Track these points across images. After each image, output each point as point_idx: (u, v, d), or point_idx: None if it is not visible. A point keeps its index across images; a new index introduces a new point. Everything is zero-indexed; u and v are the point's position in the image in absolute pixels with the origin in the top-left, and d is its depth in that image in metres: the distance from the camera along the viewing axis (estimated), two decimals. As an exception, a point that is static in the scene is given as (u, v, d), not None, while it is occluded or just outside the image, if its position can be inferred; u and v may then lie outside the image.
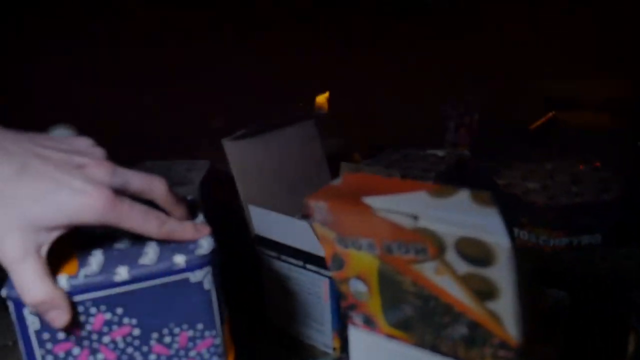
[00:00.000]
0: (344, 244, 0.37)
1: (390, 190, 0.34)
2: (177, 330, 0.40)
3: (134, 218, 0.38)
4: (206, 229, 0.43)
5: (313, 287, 0.65)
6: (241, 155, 0.70)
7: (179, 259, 0.39)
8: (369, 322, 0.42)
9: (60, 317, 0.36)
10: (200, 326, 0.41)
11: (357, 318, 0.43)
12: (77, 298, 0.37)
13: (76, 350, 0.38)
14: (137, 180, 0.40)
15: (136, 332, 0.39)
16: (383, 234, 0.34)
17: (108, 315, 0.38)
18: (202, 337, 0.41)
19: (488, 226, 0.30)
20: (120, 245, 0.42)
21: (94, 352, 0.39)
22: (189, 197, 0.48)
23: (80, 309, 0.37)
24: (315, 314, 0.66)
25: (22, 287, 0.36)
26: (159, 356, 0.41)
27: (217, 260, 0.41)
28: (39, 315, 0.37)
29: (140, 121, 2.06)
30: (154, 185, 0.41)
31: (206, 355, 0.42)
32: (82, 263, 0.39)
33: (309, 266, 0.64)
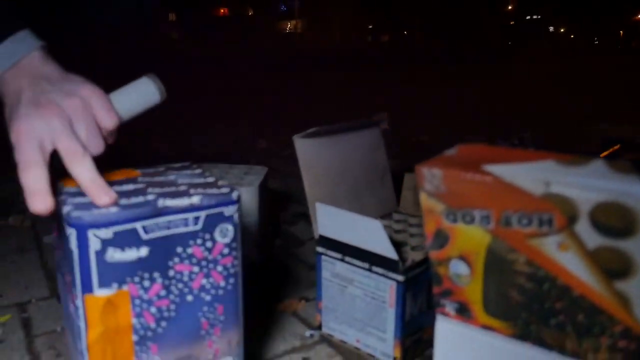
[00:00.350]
0: (453, 217, 0.36)
1: (514, 159, 0.32)
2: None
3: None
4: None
5: (378, 292, 0.62)
6: (310, 153, 0.69)
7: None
8: (463, 311, 0.40)
9: (39, 204, 0.44)
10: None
11: (449, 306, 0.41)
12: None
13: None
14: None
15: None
16: (503, 204, 0.33)
17: None
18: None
19: (633, 191, 0.28)
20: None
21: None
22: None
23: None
24: (378, 320, 0.63)
25: (26, 186, 0.45)
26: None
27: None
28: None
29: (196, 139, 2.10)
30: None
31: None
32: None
33: (375, 269, 0.62)
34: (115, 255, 0.44)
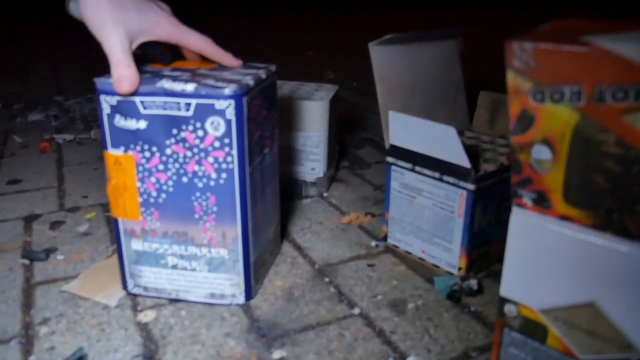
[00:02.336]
0: (541, 96, 0.34)
1: (613, 30, 0.31)
2: (273, 113, 0.62)
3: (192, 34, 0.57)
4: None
5: (447, 201, 0.62)
6: (385, 62, 0.68)
7: (273, 68, 0.60)
8: (541, 201, 0.39)
9: (126, 86, 0.51)
10: (276, 112, 0.63)
11: (527, 196, 0.40)
12: (255, 90, 0.55)
13: (253, 128, 0.55)
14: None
15: (264, 113, 0.58)
16: (598, 76, 0.31)
17: (260, 100, 0.57)
18: (276, 120, 0.63)
19: None
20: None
21: (257, 129, 0.56)
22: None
23: (255, 100, 0.55)
24: (445, 230, 0.63)
25: (113, 55, 0.51)
26: (269, 133, 0.61)
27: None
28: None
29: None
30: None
31: (277, 134, 0.63)
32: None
33: (446, 178, 0.62)
34: (120, 121, 0.53)
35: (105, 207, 0.84)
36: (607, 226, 0.37)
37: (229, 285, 0.58)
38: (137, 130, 0.53)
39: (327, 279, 0.64)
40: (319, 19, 4.11)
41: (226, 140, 0.52)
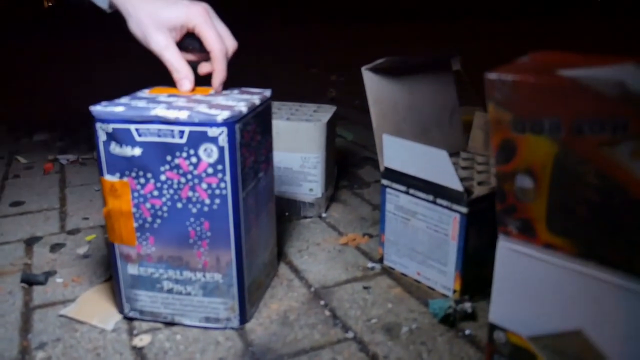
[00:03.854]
0: (521, 127, 0.35)
1: (590, 63, 0.31)
2: (268, 137, 0.64)
3: (215, 31, 0.61)
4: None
5: (441, 224, 0.62)
6: (378, 86, 0.69)
7: (268, 94, 0.63)
8: (526, 230, 0.40)
9: (187, 84, 0.61)
10: (271, 136, 0.65)
11: (512, 225, 0.40)
12: (249, 116, 0.56)
13: (246, 153, 0.56)
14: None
15: (259, 138, 0.60)
16: (576, 110, 0.32)
17: (254, 126, 0.59)
18: (271, 143, 0.65)
19: None
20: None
21: (250, 154, 0.58)
22: None
23: (249, 125, 0.57)
24: (439, 253, 0.63)
25: (171, 64, 0.61)
26: (264, 157, 0.62)
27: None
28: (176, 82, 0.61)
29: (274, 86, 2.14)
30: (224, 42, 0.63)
31: (272, 157, 0.66)
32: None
33: (439, 201, 0.62)
34: (116, 148, 0.54)
35: (105, 229, 0.84)
36: (591, 255, 0.37)
37: (223, 309, 0.58)
38: (132, 157, 0.54)
39: (322, 302, 0.64)
40: (320, 33, 4.14)
41: (219, 167, 0.53)
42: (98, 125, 0.53)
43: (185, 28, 0.61)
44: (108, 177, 0.55)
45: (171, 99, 0.58)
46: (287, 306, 0.63)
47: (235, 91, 0.63)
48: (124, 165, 0.54)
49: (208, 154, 0.52)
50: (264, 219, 0.64)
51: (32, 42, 3.52)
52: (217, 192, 0.54)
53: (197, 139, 0.52)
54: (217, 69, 0.61)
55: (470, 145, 0.80)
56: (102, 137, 0.54)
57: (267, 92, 0.63)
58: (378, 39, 3.78)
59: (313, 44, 3.49)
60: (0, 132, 1.42)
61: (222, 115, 0.51)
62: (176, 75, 0.61)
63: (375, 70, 0.68)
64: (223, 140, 0.52)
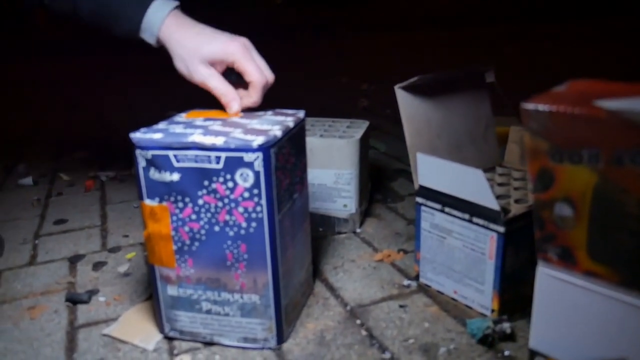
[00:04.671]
0: (559, 157, 0.35)
1: (628, 94, 0.31)
2: (302, 158, 0.64)
3: (254, 64, 0.65)
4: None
5: (477, 243, 0.62)
6: (411, 104, 0.69)
7: (301, 115, 0.64)
8: (566, 257, 0.39)
9: (235, 105, 0.65)
10: (305, 156, 0.66)
11: (552, 252, 0.40)
12: (283, 139, 0.57)
13: (281, 176, 0.57)
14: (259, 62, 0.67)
15: (293, 160, 0.61)
16: (615, 141, 0.31)
17: (289, 148, 0.59)
18: (305, 163, 0.66)
19: None
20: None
21: (285, 177, 0.58)
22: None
23: (284, 149, 0.57)
24: (476, 272, 0.63)
25: (218, 90, 0.65)
26: (299, 178, 0.63)
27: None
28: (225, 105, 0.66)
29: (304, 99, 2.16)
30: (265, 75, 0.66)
31: (307, 177, 0.66)
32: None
33: (475, 219, 0.61)
34: (155, 174, 0.55)
35: (144, 247, 0.87)
36: (634, 284, 0.36)
37: (261, 329, 0.59)
38: (171, 182, 0.55)
39: (358, 321, 0.64)
40: (348, 42, 4.14)
41: (255, 191, 0.54)
42: (138, 151, 0.55)
43: (225, 63, 0.66)
44: (148, 202, 0.56)
45: (207, 123, 0.59)
46: (324, 325, 0.64)
47: (270, 113, 0.64)
48: (163, 190, 0.56)
49: (244, 178, 0.53)
50: (300, 239, 0.65)
51: (73, 57, 3.63)
52: (254, 215, 0.55)
53: (234, 164, 0.53)
54: (254, 98, 0.66)
55: (506, 159, 0.79)
56: (141, 163, 0.55)
57: (301, 114, 0.63)
58: (405, 45, 3.76)
59: (341, 53, 3.50)
60: (43, 150, 1.47)
61: (258, 140, 0.52)
62: (224, 100, 0.65)
63: (408, 87, 0.68)
64: (259, 165, 0.53)
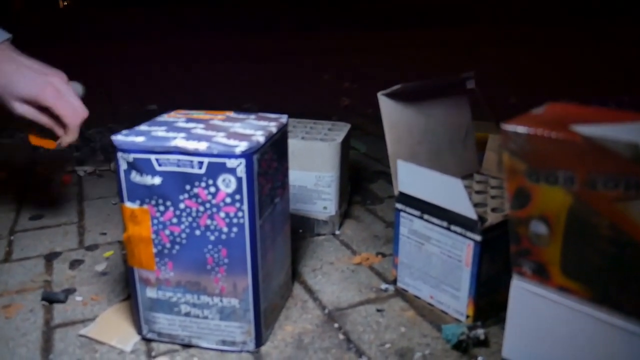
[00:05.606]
0: (536, 177, 0.36)
1: (603, 120, 0.32)
2: (284, 162, 0.64)
3: (68, 106, 0.75)
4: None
5: (455, 250, 0.63)
6: (393, 111, 0.69)
7: (284, 120, 0.63)
8: (540, 272, 0.40)
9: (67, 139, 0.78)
10: (286, 160, 0.65)
11: (527, 266, 0.41)
12: (267, 145, 0.57)
13: (263, 182, 0.57)
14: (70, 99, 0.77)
15: (275, 164, 0.60)
16: (590, 166, 0.32)
17: (271, 154, 0.59)
18: (287, 168, 0.66)
19: None
20: None
21: (267, 182, 0.58)
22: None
23: (266, 154, 0.57)
24: (453, 278, 0.64)
25: (43, 122, 0.78)
26: (280, 182, 0.63)
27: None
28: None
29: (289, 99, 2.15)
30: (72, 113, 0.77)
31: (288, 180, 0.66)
32: None
33: (453, 227, 0.63)
34: (136, 177, 0.55)
35: (122, 245, 0.86)
36: (604, 301, 0.37)
37: (239, 333, 0.60)
38: (152, 186, 0.55)
39: (336, 325, 0.65)
40: (331, 39, 4.14)
41: (237, 197, 0.54)
42: (119, 154, 0.55)
43: (40, 105, 0.73)
44: (128, 204, 0.56)
45: (190, 125, 0.59)
46: (302, 329, 0.65)
47: (252, 117, 0.64)
48: (144, 193, 0.55)
49: (226, 184, 0.54)
50: (280, 242, 0.65)
51: (46, 44, 3.56)
52: (235, 220, 0.55)
53: (216, 170, 0.53)
54: (73, 136, 0.77)
55: (484, 166, 0.80)
56: (123, 165, 0.55)
57: (284, 119, 0.64)
58: (390, 44, 3.77)
59: (324, 51, 3.50)
60: (20, 142, 1.45)
61: (241, 147, 0.52)
62: (59, 131, 0.78)
63: (391, 94, 0.69)
64: (241, 171, 0.53)
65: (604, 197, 0.33)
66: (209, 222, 0.55)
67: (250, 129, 0.58)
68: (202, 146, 0.53)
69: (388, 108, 0.69)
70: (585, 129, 0.32)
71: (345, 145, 0.88)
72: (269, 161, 0.58)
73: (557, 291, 0.40)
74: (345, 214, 0.95)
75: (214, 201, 0.54)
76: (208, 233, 0.56)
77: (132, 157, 0.54)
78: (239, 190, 0.54)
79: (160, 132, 0.57)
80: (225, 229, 0.55)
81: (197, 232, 0.56)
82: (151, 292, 0.60)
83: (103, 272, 0.78)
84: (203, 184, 0.54)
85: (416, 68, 2.69)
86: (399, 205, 0.69)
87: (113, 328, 0.65)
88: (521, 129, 0.34)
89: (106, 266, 0.79)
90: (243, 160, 0.53)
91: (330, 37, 4.14)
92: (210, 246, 0.56)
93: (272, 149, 0.59)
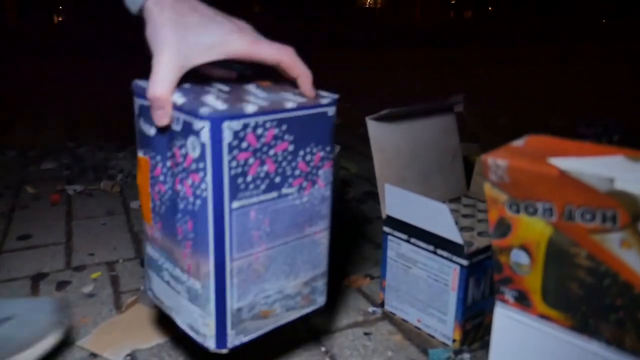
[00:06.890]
0: (516, 208, 0.36)
1: (581, 153, 0.33)
2: (315, 150, 0.54)
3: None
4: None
5: (441, 274, 0.63)
6: (382, 135, 0.70)
7: (325, 100, 0.54)
8: (522, 300, 0.41)
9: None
10: (328, 149, 0.55)
11: (509, 294, 0.42)
12: (261, 118, 0.49)
13: (251, 160, 0.49)
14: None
15: (291, 147, 0.52)
16: (567, 198, 0.33)
17: (276, 131, 0.50)
18: (328, 158, 0.56)
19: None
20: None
21: (262, 163, 0.50)
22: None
23: (260, 129, 0.49)
24: (439, 302, 0.64)
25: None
26: (301, 172, 0.53)
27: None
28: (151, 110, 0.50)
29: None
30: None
31: (328, 174, 0.57)
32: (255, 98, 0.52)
33: (440, 252, 0.63)
34: (142, 125, 0.54)
35: (110, 265, 0.86)
36: (584, 329, 0.38)
37: (201, 323, 0.52)
38: (149, 137, 0.53)
39: (323, 348, 0.65)
40: (322, 58, 4.18)
41: (201, 165, 0.48)
42: (134, 98, 0.54)
43: (211, 56, 0.51)
44: (138, 151, 0.56)
45: (222, 87, 0.54)
46: (289, 351, 0.64)
47: (290, 93, 0.55)
48: (145, 143, 0.54)
49: (193, 147, 0.48)
50: (296, 245, 0.56)
51: (41, 61, 3.56)
52: (198, 192, 0.49)
53: (188, 130, 0.48)
54: (299, 74, 0.54)
55: (471, 190, 0.81)
56: (136, 110, 0.54)
57: (326, 99, 0.55)
58: (381, 63, 3.81)
59: (315, 69, 3.52)
60: (10, 160, 1.44)
61: (206, 109, 0.46)
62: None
63: (379, 118, 0.70)
64: (205, 136, 0.46)
65: (581, 229, 0.33)
66: (179, 187, 0.50)
67: (262, 99, 0.50)
68: (179, 101, 0.48)
69: (376, 132, 0.70)
70: (563, 162, 0.33)
71: (335, 166, 0.88)
72: (274, 139, 0.50)
73: (539, 319, 0.41)
74: (335, 234, 0.96)
75: (184, 164, 0.49)
76: (178, 200, 0.51)
77: (139, 102, 0.53)
78: (202, 157, 0.47)
79: (187, 86, 0.52)
80: (191, 199, 0.49)
81: (173, 196, 0.51)
82: (148, 248, 0.57)
83: (90, 293, 0.77)
84: (179, 143, 0.49)
85: (407, 85, 2.71)
86: (386, 229, 0.69)
87: (108, 339, 0.65)
88: (501, 162, 0.35)
89: (93, 287, 0.79)
90: (207, 124, 0.46)
91: (322, 54, 4.18)
92: (179, 215, 0.51)
93: (282, 124, 0.50)
